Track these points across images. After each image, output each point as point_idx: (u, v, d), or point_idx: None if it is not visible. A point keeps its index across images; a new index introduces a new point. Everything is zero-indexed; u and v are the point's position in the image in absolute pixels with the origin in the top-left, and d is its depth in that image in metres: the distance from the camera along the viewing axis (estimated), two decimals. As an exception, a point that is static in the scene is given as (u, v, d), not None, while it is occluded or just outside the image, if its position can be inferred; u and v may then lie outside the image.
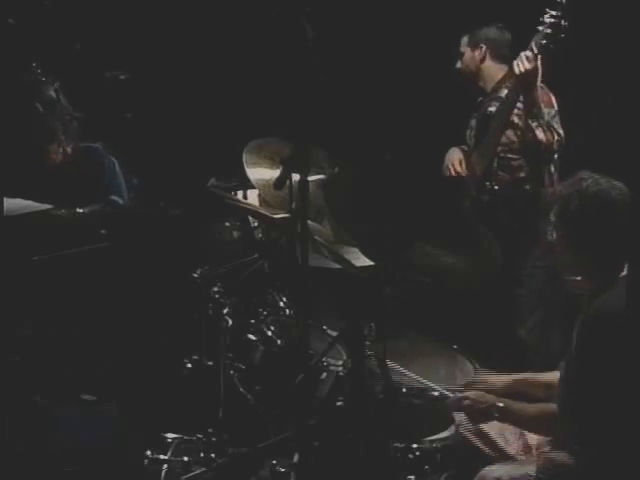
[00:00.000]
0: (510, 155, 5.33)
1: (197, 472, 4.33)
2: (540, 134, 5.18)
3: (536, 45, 5.05)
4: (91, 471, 4.46)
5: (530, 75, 5.07)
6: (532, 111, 5.17)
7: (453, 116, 5.87)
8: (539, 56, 5.07)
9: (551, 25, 5.01)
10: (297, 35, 3.72)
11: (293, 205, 3.79)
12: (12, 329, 5.02)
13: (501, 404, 3.61)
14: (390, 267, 4.03)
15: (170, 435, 4.45)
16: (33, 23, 6.42)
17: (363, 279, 4.07)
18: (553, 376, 3.65)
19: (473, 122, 5.56)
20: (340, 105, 5.95)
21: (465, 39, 5.54)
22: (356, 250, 4.42)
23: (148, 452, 4.39)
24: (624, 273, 3.40)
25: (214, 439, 4.38)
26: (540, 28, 5.05)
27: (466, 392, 3.78)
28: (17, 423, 4.63)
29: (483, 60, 5.45)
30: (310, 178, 3.64)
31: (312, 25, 3.71)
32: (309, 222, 3.62)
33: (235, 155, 4.75)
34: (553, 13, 5.00)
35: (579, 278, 3.47)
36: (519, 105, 5.22)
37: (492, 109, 5.37)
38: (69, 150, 5.72)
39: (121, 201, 5.74)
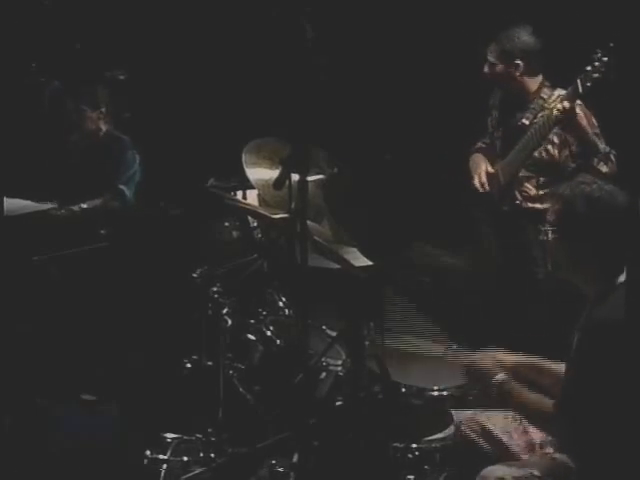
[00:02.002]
0: (540, 171, 5.14)
1: (197, 472, 4.32)
2: (604, 168, 4.96)
3: (575, 91, 4.87)
4: (91, 471, 4.46)
5: (571, 127, 4.95)
6: (587, 148, 5.01)
7: (453, 116, 5.88)
8: (577, 102, 4.92)
9: (599, 70, 4.80)
10: (297, 35, 3.72)
11: (292, 205, 3.79)
12: (12, 328, 5.02)
13: (499, 377, 3.49)
14: (390, 267, 4.03)
15: (170, 435, 4.44)
16: (33, 23, 6.44)
17: (363, 279, 4.07)
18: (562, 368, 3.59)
19: (500, 130, 5.32)
20: (340, 105, 5.95)
21: (496, 49, 5.16)
22: (356, 250, 4.42)
23: (148, 452, 4.38)
24: (623, 279, 3.39)
25: (214, 439, 4.38)
26: (588, 69, 4.83)
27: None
28: (17, 423, 4.64)
29: (519, 75, 5.15)
30: (309, 178, 3.63)
31: (312, 25, 3.70)
32: (308, 222, 3.61)
33: (235, 155, 4.74)
34: (605, 59, 4.79)
35: (576, 280, 3.46)
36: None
37: (525, 121, 5.13)
38: (104, 127, 5.92)
39: (127, 192, 5.85)
